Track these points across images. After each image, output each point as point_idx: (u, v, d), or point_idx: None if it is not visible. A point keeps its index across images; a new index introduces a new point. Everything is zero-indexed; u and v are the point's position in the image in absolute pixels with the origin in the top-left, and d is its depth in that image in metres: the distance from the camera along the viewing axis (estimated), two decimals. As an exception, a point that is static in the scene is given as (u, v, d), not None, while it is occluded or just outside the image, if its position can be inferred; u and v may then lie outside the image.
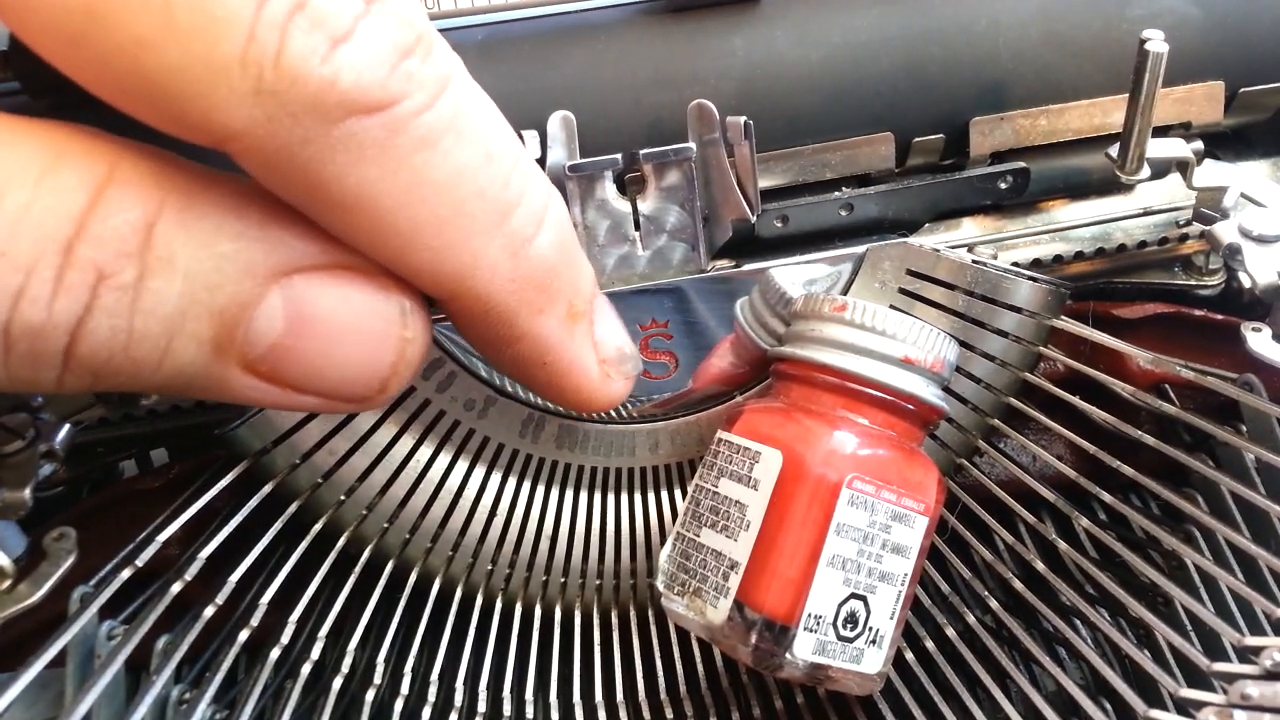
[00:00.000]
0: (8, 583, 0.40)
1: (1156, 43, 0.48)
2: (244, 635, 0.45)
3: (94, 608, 0.43)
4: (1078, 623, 0.49)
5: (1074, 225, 0.58)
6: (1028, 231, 0.58)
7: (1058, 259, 0.58)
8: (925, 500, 0.43)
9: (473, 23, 0.54)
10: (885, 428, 0.43)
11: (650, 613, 0.52)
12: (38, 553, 0.42)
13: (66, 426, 0.43)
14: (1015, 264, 0.54)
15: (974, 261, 0.51)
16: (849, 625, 0.42)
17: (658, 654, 0.51)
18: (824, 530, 0.41)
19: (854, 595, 0.42)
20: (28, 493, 0.41)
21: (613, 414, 0.52)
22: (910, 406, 0.43)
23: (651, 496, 0.52)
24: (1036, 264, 0.57)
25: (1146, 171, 0.52)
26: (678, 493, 0.52)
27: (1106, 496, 0.49)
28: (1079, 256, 0.58)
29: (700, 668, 0.51)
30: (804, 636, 0.40)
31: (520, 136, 0.48)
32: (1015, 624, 0.49)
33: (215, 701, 0.44)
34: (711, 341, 0.51)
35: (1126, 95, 0.51)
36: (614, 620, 0.52)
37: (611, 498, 0.52)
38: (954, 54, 0.53)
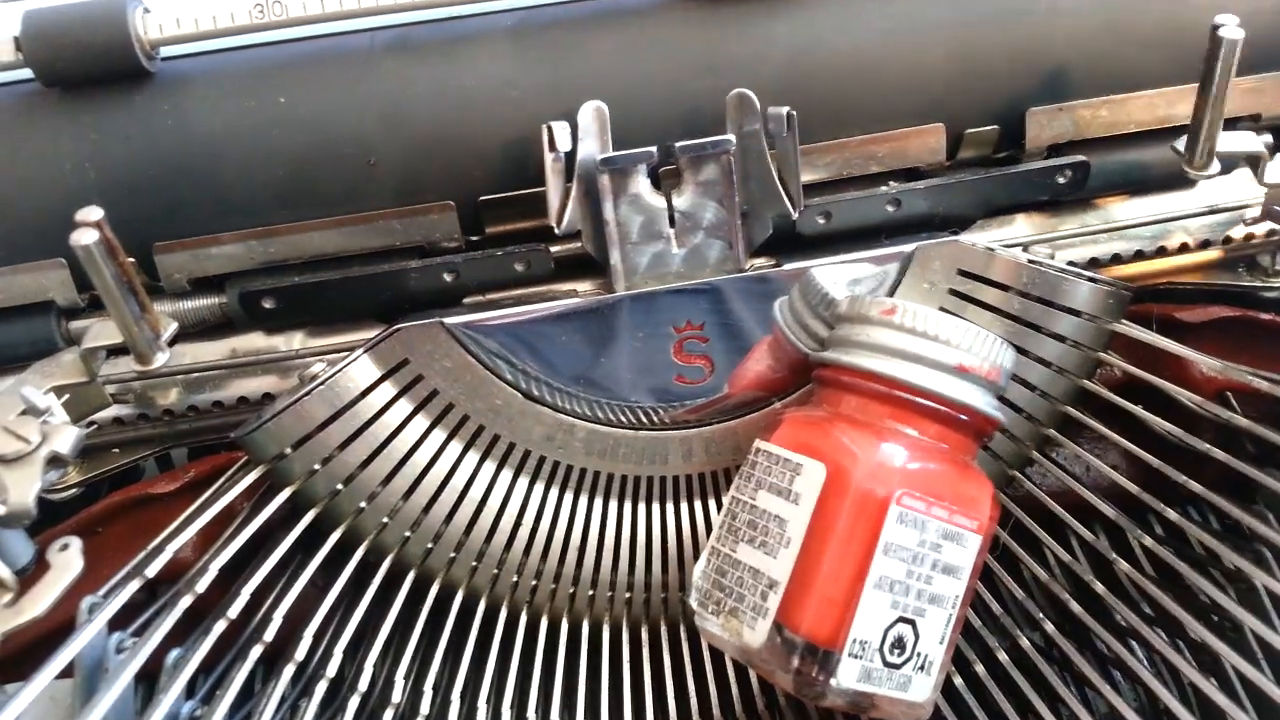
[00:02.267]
0: (9, 596, 0.38)
1: (1231, 28, 0.44)
2: (258, 650, 0.43)
3: (103, 618, 0.41)
4: (1135, 645, 0.46)
5: (1134, 224, 0.55)
6: (1085, 230, 0.55)
7: (1116, 258, 0.55)
8: (978, 517, 0.40)
9: (502, 7, 0.52)
10: (937, 440, 0.40)
11: (682, 629, 0.49)
12: (44, 562, 0.40)
13: (76, 431, 0.41)
14: (1071, 263, 0.51)
15: (1030, 261, 0.48)
16: (896, 651, 0.39)
17: (690, 674, 0.48)
18: (871, 549, 0.38)
19: (902, 619, 0.39)
20: (32, 500, 0.39)
21: (645, 419, 0.49)
22: (964, 417, 0.41)
23: (685, 507, 0.50)
24: (1093, 264, 0.54)
25: (1216, 166, 0.49)
26: (712, 503, 0.50)
27: (1171, 514, 0.46)
28: (1139, 256, 0.55)
29: (735, 690, 0.48)
30: (848, 663, 0.38)
31: (550, 128, 0.46)
32: (1069, 646, 0.46)
33: (228, 719, 0.42)
34: (750, 344, 0.48)
35: (1192, 85, 0.48)
36: (644, 637, 0.49)
37: (643, 507, 0.49)
38: (1009, 40, 0.51)
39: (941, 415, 0.40)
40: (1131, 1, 0.51)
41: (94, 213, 0.39)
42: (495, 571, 0.48)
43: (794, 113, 0.45)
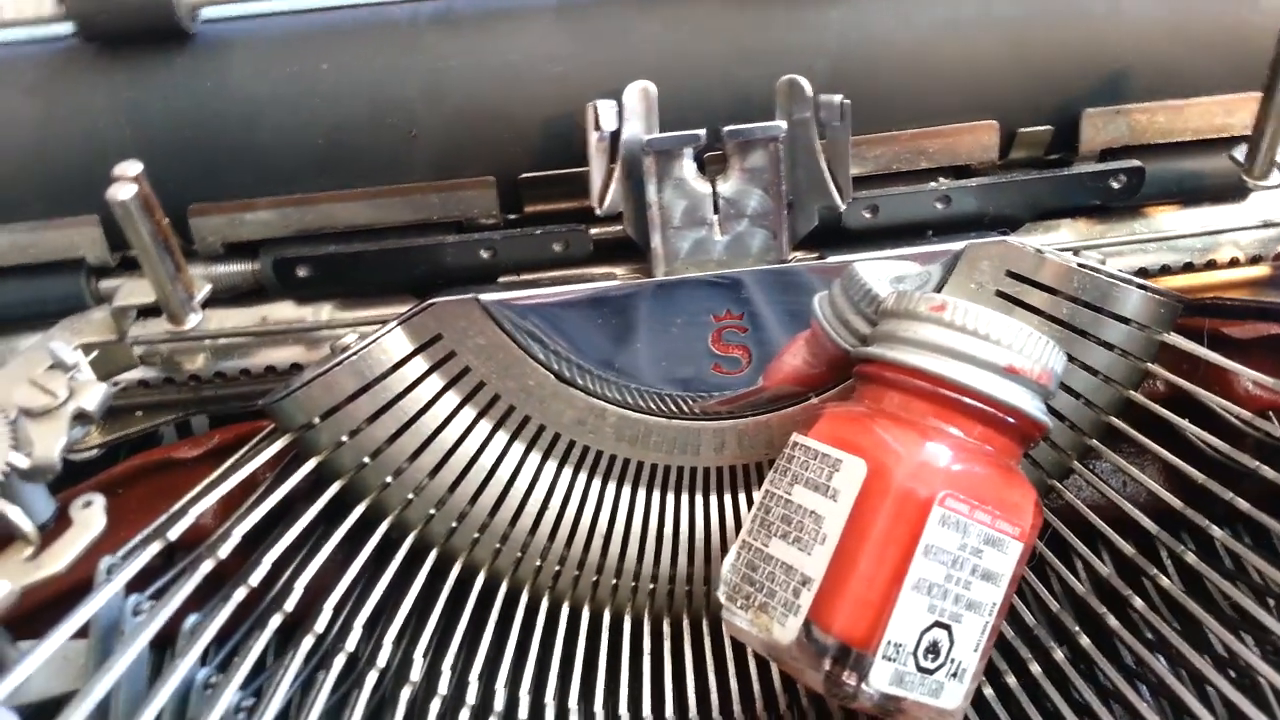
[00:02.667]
0: (30, 550, 0.37)
1: (1301, 34, 0.43)
2: (277, 619, 0.42)
3: (120, 580, 0.40)
4: (1169, 662, 0.45)
5: (1184, 235, 0.54)
6: (1134, 238, 0.54)
7: (1164, 269, 0.54)
8: (1021, 524, 0.39)
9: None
10: (982, 442, 0.39)
11: (705, 624, 0.48)
12: (64, 519, 0.39)
13: (103, 388, 0.40)
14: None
15: (1080, 265, 0.47)
16: (930, 656, 0.38)
17: (711, 669, 0.47)
18: (910, 550, 0.37)
19: (938, 624, 0.38)
20: (57, 455, 0.39)
21: (678, 408, 0.48)
22: (1011, 420, 0.39)
23: (714, 499, 0.49)
24: (1141, 274, 0.53)
25: (1276, 177, 0.48)
26: (742, 497, 0.49)
27: (1216, 531, 0.45)
28: (1187, 268, 0.54)
29: (757, 686, 0.47)
30: (881, 665, 0.37)
31: (595, 106, 0.45)
32: (1105, 663, 0.45)
33: (243, 688, 0.41)
34: (790, 337, 0.47)
35: (1253, 94, 0.47)
36: (665, 629, 0.48)
37: (671, 497, 0.48)
38: (1069, 39, 0.49)
39: (988, 417, 0.39)
40: (1197, 4, 0.50)
41: (133, 167, 0.38)
42: (519, 555, 0.47)
43: (848, 101, 0.44)
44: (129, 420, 0.53)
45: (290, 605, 0.43)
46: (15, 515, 0.37)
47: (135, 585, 0.42)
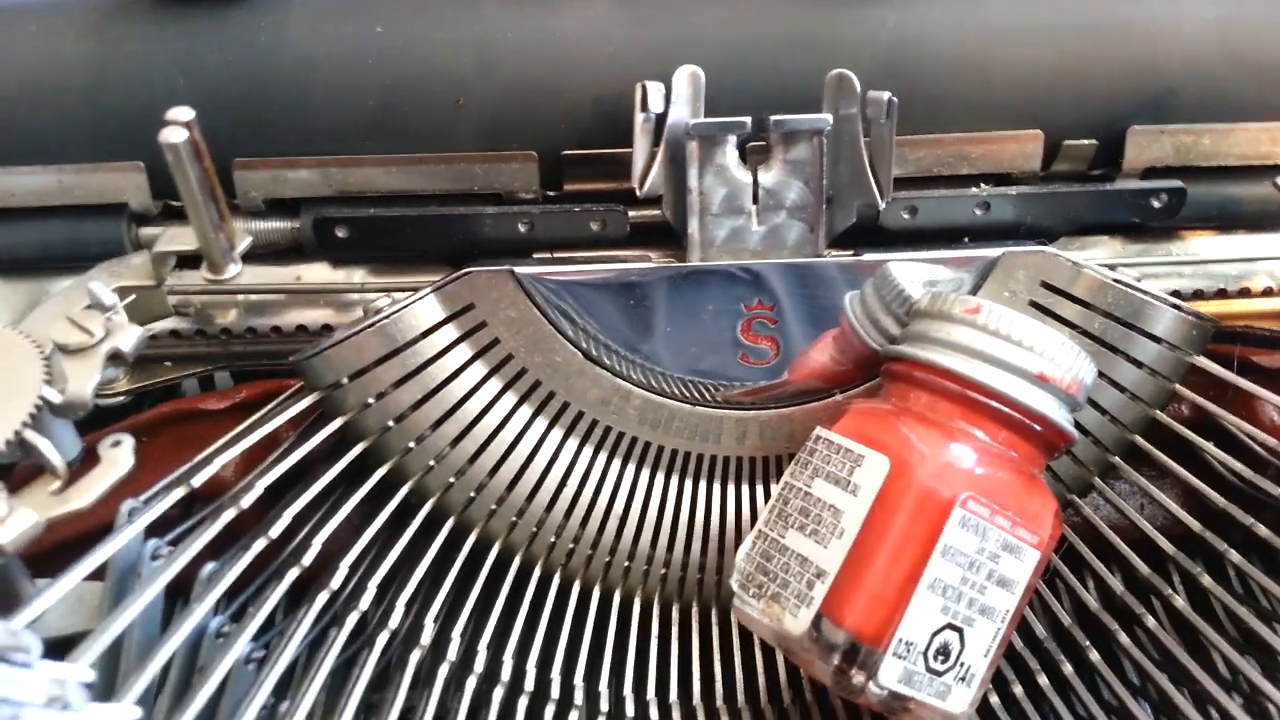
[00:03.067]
0: (58, 484, 0.38)
1: (1356, 65, 0.43)
2: (293, 573, 0.43)
3: (141, 523, 0.41)
4: (1175, 681, 0.45)
5: (1219, 259, 0.54)
6: (1169, 259, 0.53)
7: (1198, 294, 0.54)
8: (1040, 533, 0.39)
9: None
10: (1007, 447, 0.39)
11: (714, 612, 0.48)
12: (91, 458, 0.40)
13: (139, 330, 0.41)
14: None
15: (1116, 281, 0.47)
16: (940, 657, 0.38)
17: (718, 657, 0.48)
18: (928, 550, 0.37)
19: (950, 625, 0.38)
20: (90, 392, 0.39)
21: (701, 395, 0.48)
22: (1038, 428, 0.39)
23: (732, 489, 0.49)
24: (1174, 296, 0.53)
25: (1319, 207, 0.48)
26: (760, 489, 0.49)
27: (1235, 555, 0.45)
28: (1221, 294, 0.54)
29: (762, 678, 0.47)
30: (891, 662, 0.37)
31: (644, 87, 0.45)
32: (1113, 677, 0.45)
33: (254, 639, 0.41)
34: (820, 332, 0.47)
35: (1303, 123, 0.46)
36: (674, 614, 0.48)
37: (689, 483, 0.49)
38: (1121, 54, 0.49)
39: (1014, 422, 0.39)
40: (1253, 29, 0.49)
41: (185, 113, 0.38)
42: (534, 530, 0.48)
43: (895, 99, 0.44)
44: (156, 370, 0.53)
45: (308, 560, 0.43)
46: (45, 448, 0.37)
47: (154, 531, 0.42)
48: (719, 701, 0.47)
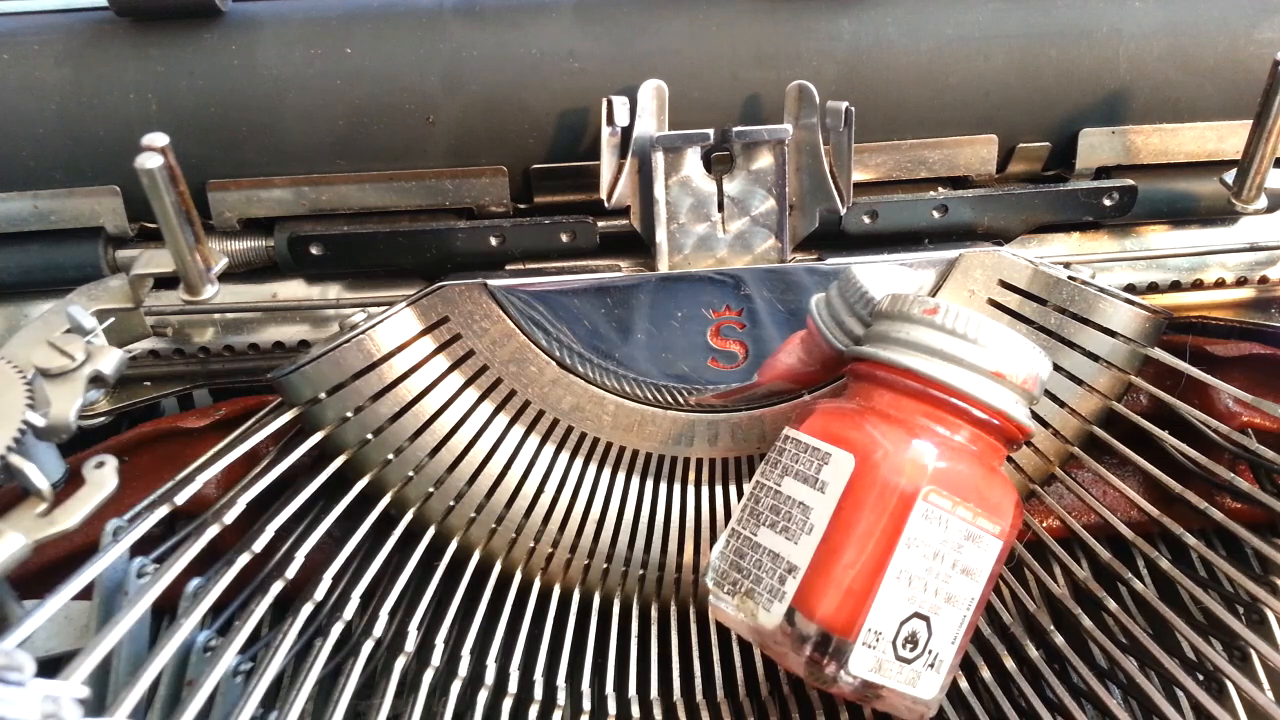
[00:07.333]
0: (44, 506, 0.38)
1: (1293, 64, 0.45)
2: (277, 586, 0.44)
3: (126, 542, 0.42)
4: (1140, 663, 0.46)
5: (1172, 254, 0.56)
6: (1124, 255, 0.55)
7: (1152, 286, 0.55)
8: (1001, 523, 0.40)
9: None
10: (967, 442, 0.41)
11: (692, 611, 0.50)
12: (75, 480, 0.40)
13: (119, 353, 0.41)
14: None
15: (1070, 278, 0.49)
16: (909, 645, 0.39)
17: (696, 654, 0.49)
18: (893, 542, 0.38)
19: (917, 614, 0.39)
20: (72, 416, 0.40)
21: (674, 400, 0.50)
22: (996, 422, 0.41)
23: (705, 490, 0.50)
24: (1129, 290, 0.55)
25: (1264, 202, 0.49)
26: (733, 489, 0.50)
27: (1191, 539, 0.46)
28: (1175, 286, 0.56)
29: (740, 673, 0.48)
30: (861, 652, 0.38)
31: (610, 101, 0.46)
32: (1079, 662, 0.46)
33: (241, 652, 0.42)
34: (786, 335, 0.49)
35: (1245, 121, 0.48)
36: (653, 615, 0.50)
37: (664, 486, 0.50)
38: (1071, 59, 0.51)
39: (973, 418, 0.41)
40: (1197, 31, 0.51)
41: (160, 139, 0.39)
42: (513, 536, 0.49)
43: (853, 109, 0.45)
44: (136, 390, 0.54)
45: (291, 573, 0.44)
46: (31, 472, 0.38)
47: (139, 549, 0.43)
48: (699, 697, 0.48)
